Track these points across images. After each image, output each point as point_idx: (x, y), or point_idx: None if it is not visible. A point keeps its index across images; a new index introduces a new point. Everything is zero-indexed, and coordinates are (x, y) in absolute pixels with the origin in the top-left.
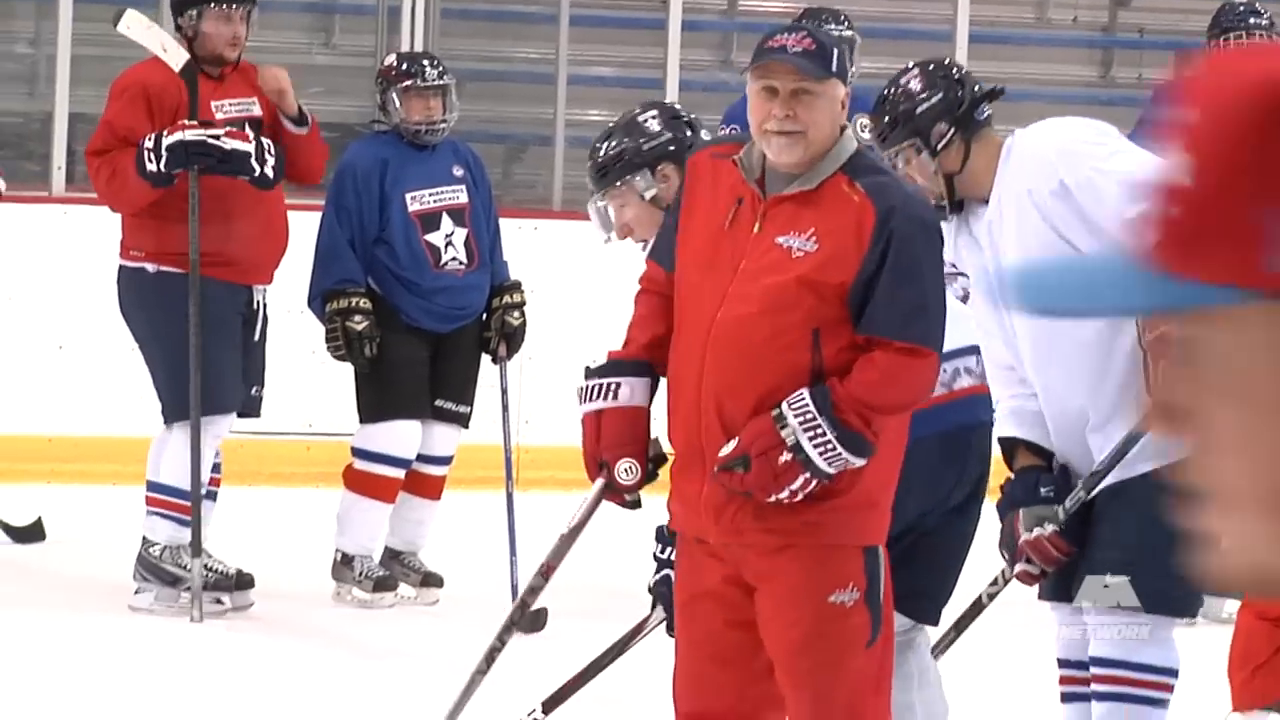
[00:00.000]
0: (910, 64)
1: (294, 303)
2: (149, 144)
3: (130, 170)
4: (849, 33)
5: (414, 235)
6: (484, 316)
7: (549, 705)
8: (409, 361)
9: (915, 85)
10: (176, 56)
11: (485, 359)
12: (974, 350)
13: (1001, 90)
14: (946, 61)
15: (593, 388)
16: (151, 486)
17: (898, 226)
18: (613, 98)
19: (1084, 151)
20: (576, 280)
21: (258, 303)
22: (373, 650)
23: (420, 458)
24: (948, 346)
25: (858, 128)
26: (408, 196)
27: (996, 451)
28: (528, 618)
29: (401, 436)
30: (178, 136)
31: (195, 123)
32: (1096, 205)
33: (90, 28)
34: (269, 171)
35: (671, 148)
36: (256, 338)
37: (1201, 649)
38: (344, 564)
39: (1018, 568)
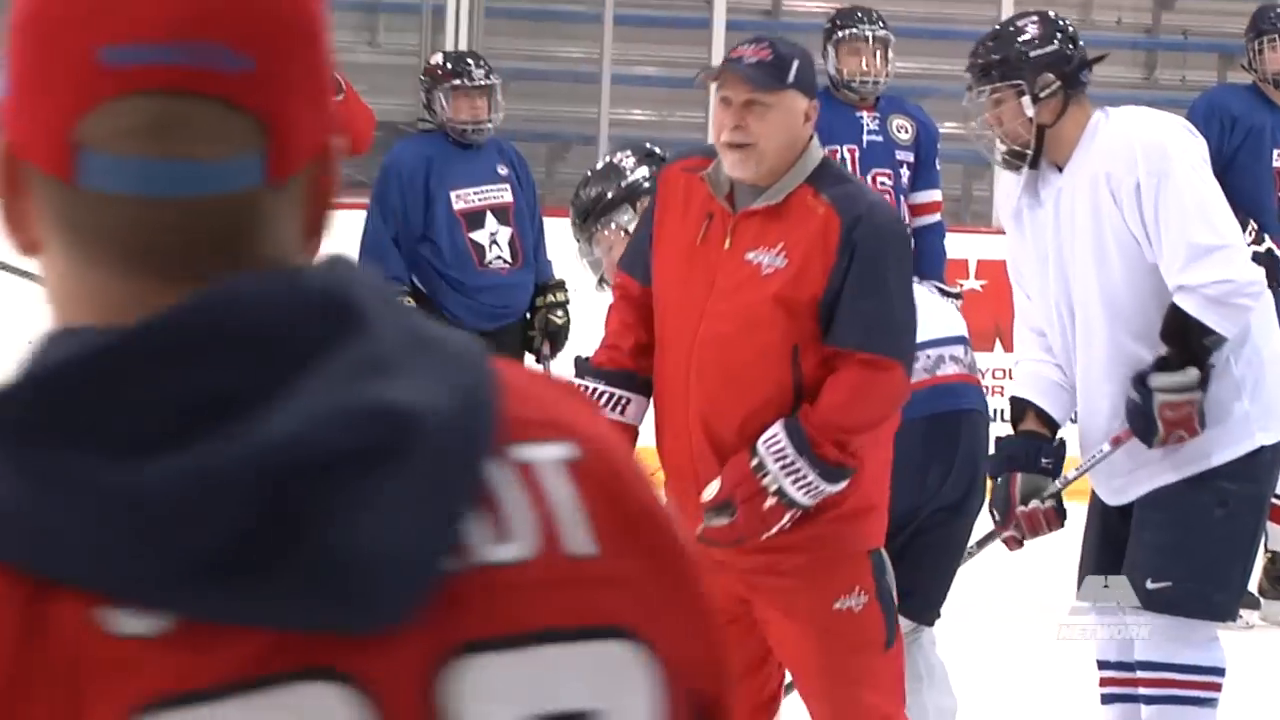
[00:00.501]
0: (1028, 11)
1: None
2: None
3: None
4: (883, 32)
5: (459, 233)
6: (528, 315)
7: None
8: None
9: (1032, 30)
10: None
11: (529, 358)
12: (960, 340)
13: (1103, 57)
14: (1063, 20)
15: (601, 395)
16: None
17: (862, 237)
18: (656, 97)
19: (1169, 155)
20: None
21: None
22: None
23: None
24: (934, 334)
25: (894, 128)
26: (453, 195)
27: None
28: None
29: None
30: None
31: None
32: (1152, 213)
33: None
34: None
35: (649, 184)
36: None
37: (1261, 651)
38: None
39: (1006, 533)
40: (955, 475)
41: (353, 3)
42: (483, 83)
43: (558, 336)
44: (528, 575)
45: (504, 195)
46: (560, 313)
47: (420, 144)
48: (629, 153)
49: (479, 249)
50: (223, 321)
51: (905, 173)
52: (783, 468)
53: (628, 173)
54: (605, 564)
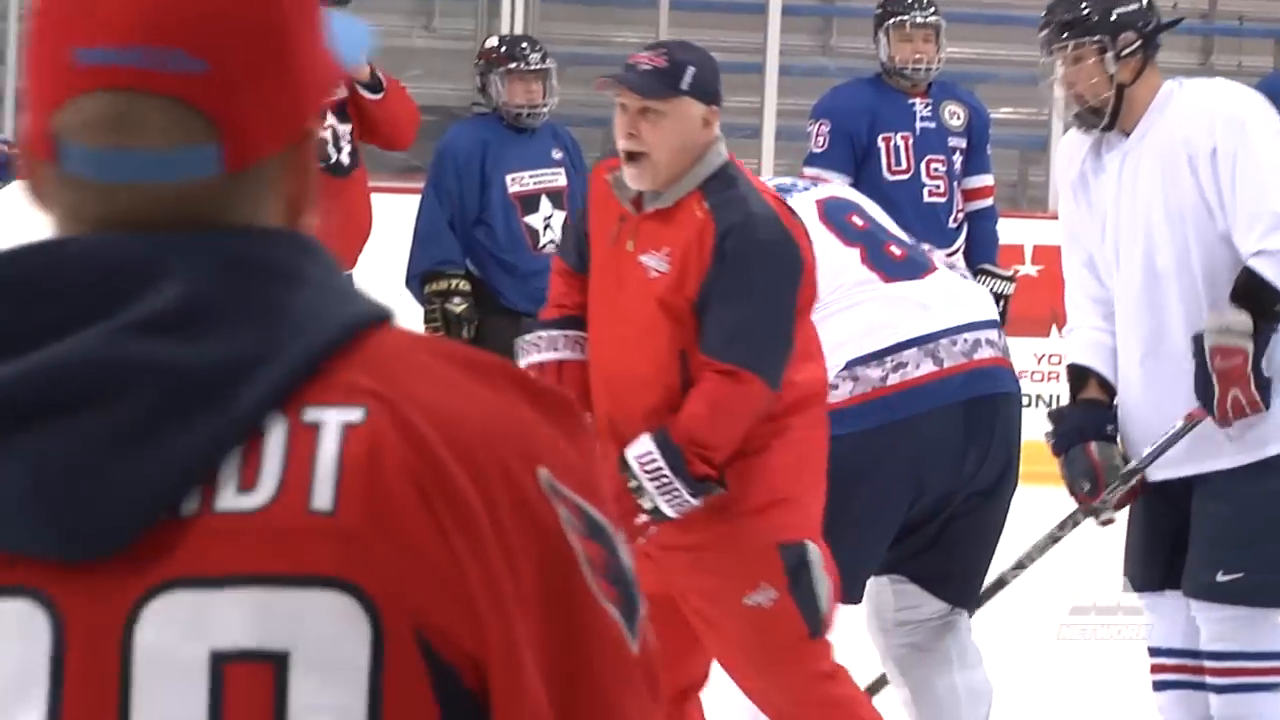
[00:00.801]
0: None
1: (391, 284)
2: None
3: None
4: (934, 18)
5: (513, 217)
6: None
7: None
8: (506, 344)
9: None
10: None
11: None
12: (994, 324)
13: (1178, 21)
14: None
15: (548, 339)
16: None
17: (733, 246)
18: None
19: (1248, 122)
20: None
21: None
22: None
23: None
24: (969, 318)
25: (946, 114)
26: (508, 178)
27: (1028, 434)
28: None
29: None
30: None
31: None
32: (1229, 179)
33: None
34: (343, 159)
35: None
36: None
37: None
38: None
39: (1097, 504)
40: (990, 459)
41: None
42: (538, 66)
43: None
44: (256, 523)
45: (559, 179)
46: None
47: (475, 128)
48: None
49: (533, 233)
50: (29, 268)
51: (958, 158)
52: (658, 487)
53: None
54: (340, 521)
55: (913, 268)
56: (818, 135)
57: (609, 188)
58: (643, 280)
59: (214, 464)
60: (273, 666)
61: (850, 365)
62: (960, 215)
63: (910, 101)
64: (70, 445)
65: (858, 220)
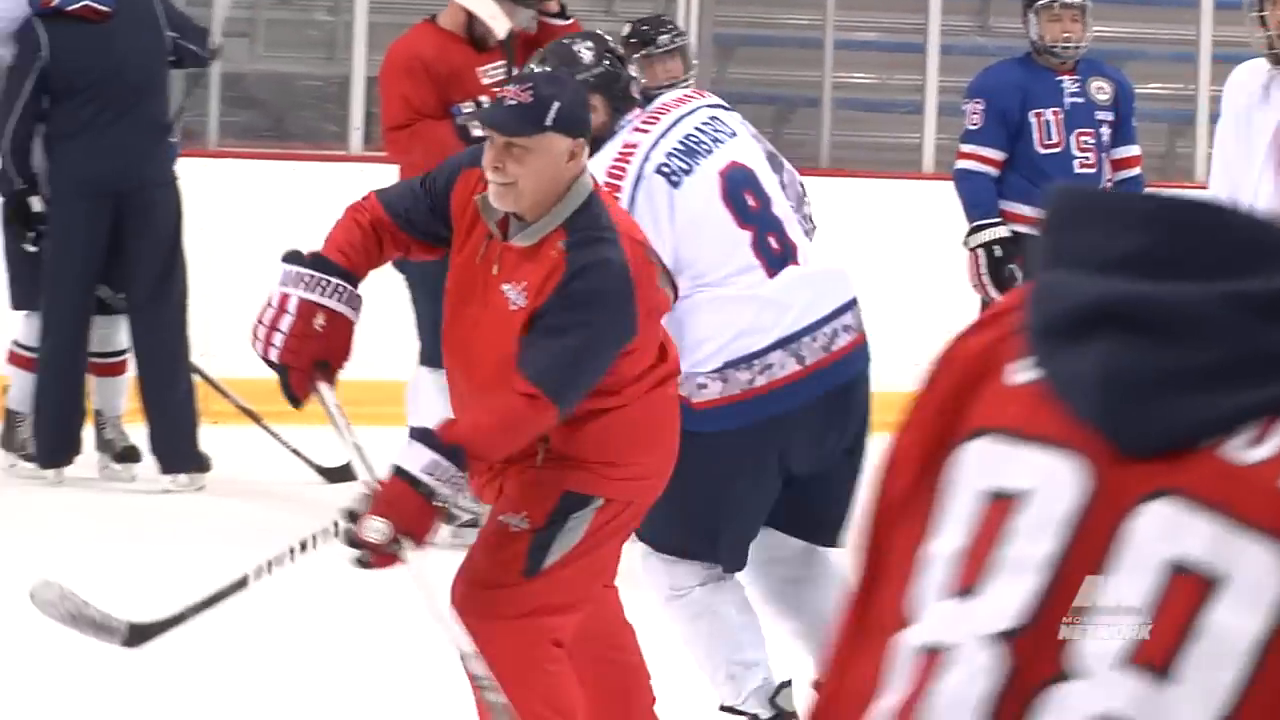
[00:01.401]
0: None
1: None
2: (468, 111)
3: (449, 138)
4: None
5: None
6: None
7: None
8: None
9: None
10: (501, 25)
11: None
12: (851, 303)
13: None
14: None
15: (323, 282)
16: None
17: (576, 286)
18: (876, 61)
19: None
20: (841, 230)
21: None
22: None
23: None
24: (828, 309)
25: (1093, 90)
26: None
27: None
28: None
29: None
30: None
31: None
32: None
33: None
34: None
35: (605, 80)
36: None
37: None
38: None
39: None
40: (848, 431)
41: None
42: (668, 47)
43: None
44: (1245, 472)
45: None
46: None
47: None
48: (590, 43)
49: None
50: (1206, 217)
51: (1106, 131)
52: (454, 486)
53: (585, 65)
54: None
55: (783, 259)
56: (973, 113)
57: (475, 204)
58: (504, 307)
59: (1249, 421)
60: (1208, 586)
61: (722, 369)
62: (1110, 185)
63: (1059, 79)
64: (1150, 361)
65: (751, 201)
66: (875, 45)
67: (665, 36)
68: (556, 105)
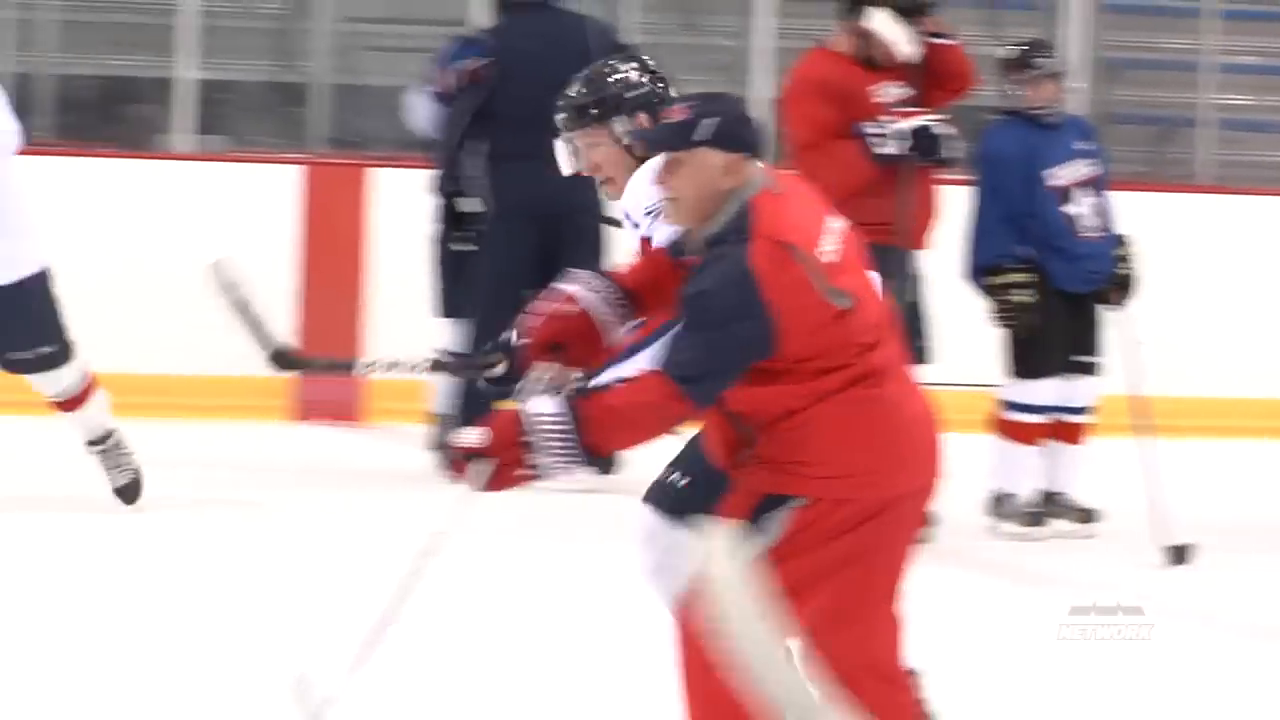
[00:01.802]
0: None
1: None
2: (875, 130)
3: (859, 157)
4: None
5: (1053, 207)
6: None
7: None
8: (1063, 325)
9: None
10: (907, 47)
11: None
12: None
13: None
14: None
15: (588, 286)
16: None
17: (689, 287)
18: (1252, 84)
19: None
20: (1220, 251)
21: (914, 266)
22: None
23: (1063, 409)
24: None
25: None
26: (1044, 174)
27: None
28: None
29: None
30: (917, 124)
31: (923, 110)
32: None
33: (792, 22)
34: (955, 153)
35: (650, 99)
36: (911, 298)
37: None
38: (998, 501)
39: None
40: None
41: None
42: (1044, 71)
43: (1124, 287)
44: None
45: (1089, 169)
46: (1126, 265)
47: (1013, 129)
48: (635, 64)
49: (1072, 220)
50: None
51: None
52: (556, 454)
53: (633, 84)
54: None
55: None
56: None
57: None
58: None
59: None
60: None
61: None
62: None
63: None
64: None
65: None
66: (1251, 69)
67: (1042, 60)
68: (708, 121)
